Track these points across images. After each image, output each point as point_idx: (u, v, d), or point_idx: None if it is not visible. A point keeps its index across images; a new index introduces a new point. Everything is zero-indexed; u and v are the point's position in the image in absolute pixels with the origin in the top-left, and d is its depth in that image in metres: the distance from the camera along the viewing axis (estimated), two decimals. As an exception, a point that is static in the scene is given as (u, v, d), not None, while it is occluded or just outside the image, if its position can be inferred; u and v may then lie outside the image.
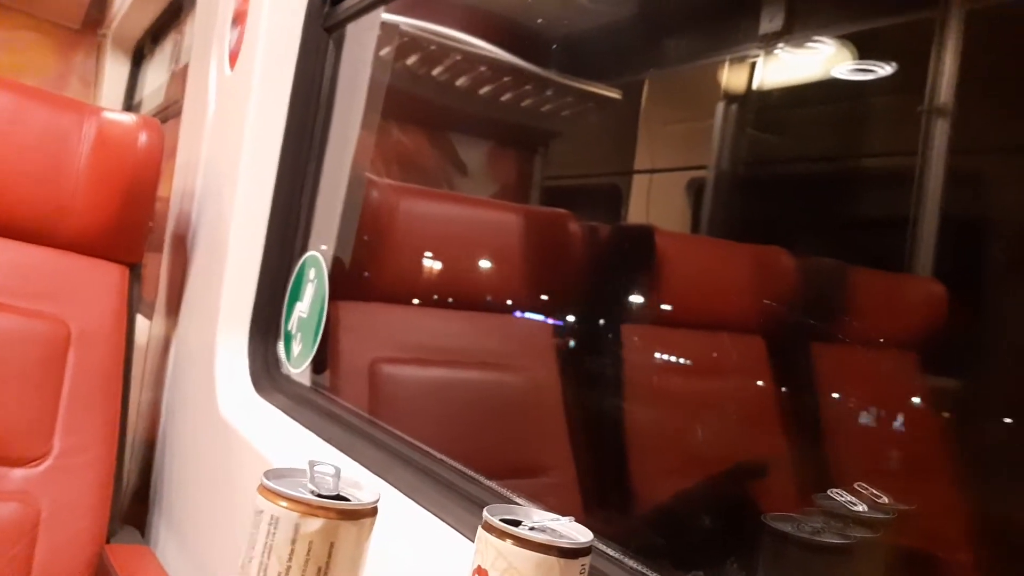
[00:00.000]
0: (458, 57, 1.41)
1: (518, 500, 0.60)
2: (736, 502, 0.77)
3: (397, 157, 1.44)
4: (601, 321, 1.08)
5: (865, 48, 0.82)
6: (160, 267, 1.26)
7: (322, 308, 0.88)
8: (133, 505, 1.16)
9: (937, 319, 0.71)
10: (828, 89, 0.86)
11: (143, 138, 1.03)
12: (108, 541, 0.98)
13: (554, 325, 1.16)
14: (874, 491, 0.56)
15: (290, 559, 0.42)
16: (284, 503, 0.42)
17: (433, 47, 1.39)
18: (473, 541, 0.42)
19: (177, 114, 1.36)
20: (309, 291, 0.91)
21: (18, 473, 0.94)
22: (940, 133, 0.78)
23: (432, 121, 1.52)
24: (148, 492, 1.16)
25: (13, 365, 0.95)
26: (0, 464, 0.93)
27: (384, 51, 1.12)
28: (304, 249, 0.97)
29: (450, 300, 1.12)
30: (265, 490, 0.43)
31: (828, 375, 0.81)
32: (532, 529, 0.41)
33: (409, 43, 1.35)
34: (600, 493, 1.02)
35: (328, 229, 1.00)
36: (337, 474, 0.46)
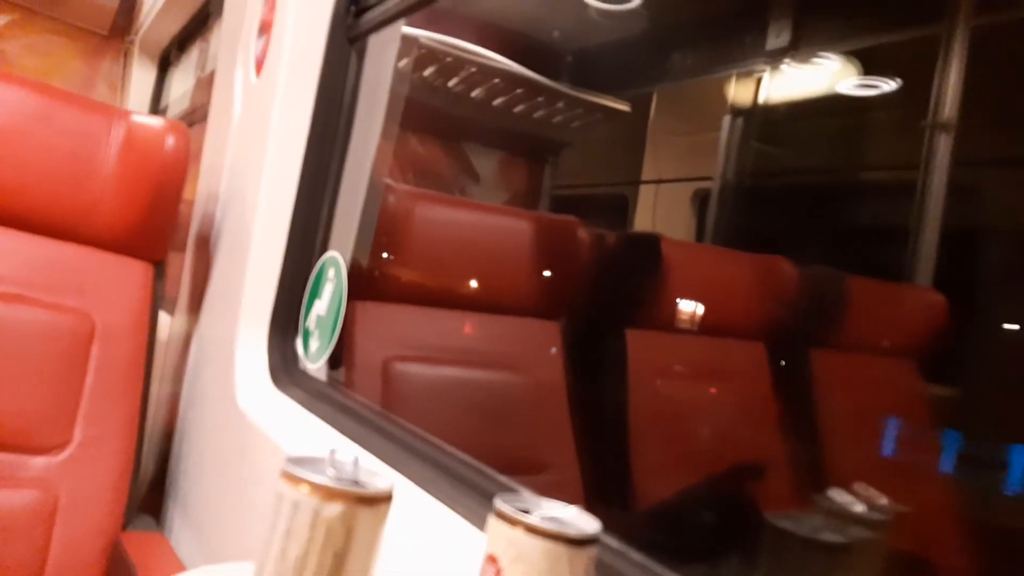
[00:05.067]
0: (473, 69, 1.44)
1: (527, 492, 0.62)
2: (736, 500, 0.78)
3: (413, 165, 1.47)
4: (607, 325, 1.10)
5: (870, 64, 0.84)
6: (183, 265, 1.29)
7: (340, 307, 0.90)
8: (149, 494, 1.18)
9: (935, 327, 0.73)
10: (833, 103, 0.88)
11: (170, 141, 1.06)
12: (124, 529, 1.00)
13: (562, 328, 1.18)
14: (872, 492, 0.57)
15: (309, 543, 0.43)
16: (305, 488, 0.43)
17: (449, 59, 1.42)
18: (483, 531, 0.42)
19: (202, 119, 1.39)
20: (328, 290, 0.93)
21: (39, 461, 0.96)
22: (943, 147, 0.79)
23: (447, 131, 1.55)
24: (164, 482, 1.18)
25: (39, 357, 0.98)
26: (21, 452, 0.95)
27: (403, 62, 1.15)
28: (324, 250, 1.00)
29: (462, 302, 1.15)
30: (287, 475, 0.44)
31: (826, 380, 0.82)
32: (542, 518, 0.42)
33: (427, 55, 1.39)
34: (602, 491, 1.03)
35: (347, 232, 1.02)
36: (355, 463, 0.47)
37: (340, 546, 0.44)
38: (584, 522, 0.43)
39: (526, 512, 0.42)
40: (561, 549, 0.41)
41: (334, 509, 0.43)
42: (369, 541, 0.45)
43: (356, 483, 0.45)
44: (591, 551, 0.42)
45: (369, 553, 0.45)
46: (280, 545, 0.44)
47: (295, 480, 0.44)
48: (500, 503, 0.42)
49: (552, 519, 0.42)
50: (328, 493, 0.43)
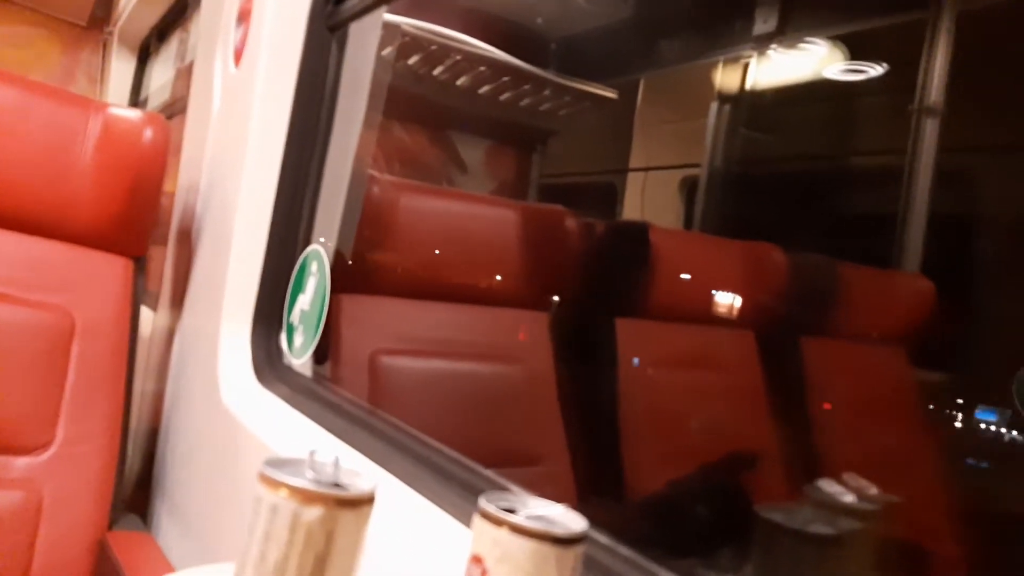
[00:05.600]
0: (458, 57, 1.42)
1: (513, 488, 0.61)
2: (727, 492, 0.78)
3: (398, 154, 1.46)
4: (596, 314, 1.09)
5: (857, 49, 0.83)
6: (164, 260, 1.28)
7: (324, 300, 0.89)
8: (135, 493, 1.18)
9: (924, 313, 0.73)
10: (820, 89, 0.88)
11: (148, 134, 1.04)
12: (110, 528, 0.99)
13: (551, 318, 1.18)
14: (862, 482, 0.57)
15: (288, 547, 0.42)
16: (283, 492, 0.42)
17: (434, 47, 1.40)
18: (470, 528, 0.42)
19: (182, 111, 1.37)
20: (311, 284, 0.92)
21: (22, 461, 0.95)
22: (930, 131, 0.79)
23: (433, 120, 1.54)
24: (150, 480, 1.18)
25: (19, 356, 0.96)
26: (4, 452, 0.94)
27: (386, 50, 1.13)
28: (307, 243, 0.98)
29: (449, 293, 1.14)
30: (265, 478, 0.43)
31: (816, 367, 0.82)
32: (527, 518, 0.42)
33: (410, 43, 1.37)
34: (593, 482, 1.03)
35: (330, 224, 1.01)
36: (336, 463, 0.46)
37: (321, 549, 0.43)
38: (571, 521, 0.42)
39: (511, 511, 0.42)
40: (547, 549, 0.40)
41: (313, 513, 0.43)
42: (351, 543, 0.45)
43: (336, 485, 0.45)
44: (578, 550, 0.41)
45: (351, 555, 0.45)
46: (259, 548, 0.43)
47: (273, 483, 0.43)
48: (484, 502, 0.41)
49: (538, 518, 0.42)
50: (307, 496, 0.42)
